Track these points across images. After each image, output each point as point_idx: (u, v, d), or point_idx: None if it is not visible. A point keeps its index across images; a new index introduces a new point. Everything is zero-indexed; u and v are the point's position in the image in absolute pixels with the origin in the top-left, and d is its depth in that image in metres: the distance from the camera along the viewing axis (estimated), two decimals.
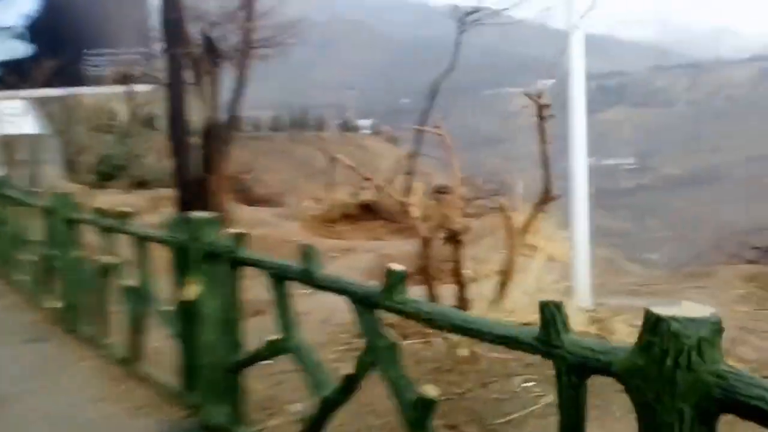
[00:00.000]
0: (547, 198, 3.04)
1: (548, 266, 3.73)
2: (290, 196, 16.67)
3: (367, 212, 8.21)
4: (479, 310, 3.06)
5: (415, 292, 4.43)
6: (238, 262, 2.59)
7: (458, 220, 3.00)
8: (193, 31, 6.84)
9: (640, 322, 1.24)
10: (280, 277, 2.35)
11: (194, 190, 6.75)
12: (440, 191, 8.23)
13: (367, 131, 58.74)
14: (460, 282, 3.00)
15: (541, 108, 2.80)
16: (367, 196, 8.37)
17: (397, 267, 1.75)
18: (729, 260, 5.84)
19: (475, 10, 7.74)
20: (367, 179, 4.46)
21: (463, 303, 2.96)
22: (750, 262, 5.60)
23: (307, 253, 2.09)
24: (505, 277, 3.09)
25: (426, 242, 3.05)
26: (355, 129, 56.88)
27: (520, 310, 3.01)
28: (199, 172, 6.97)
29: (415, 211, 3.25)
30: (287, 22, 7.28)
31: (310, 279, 2.13)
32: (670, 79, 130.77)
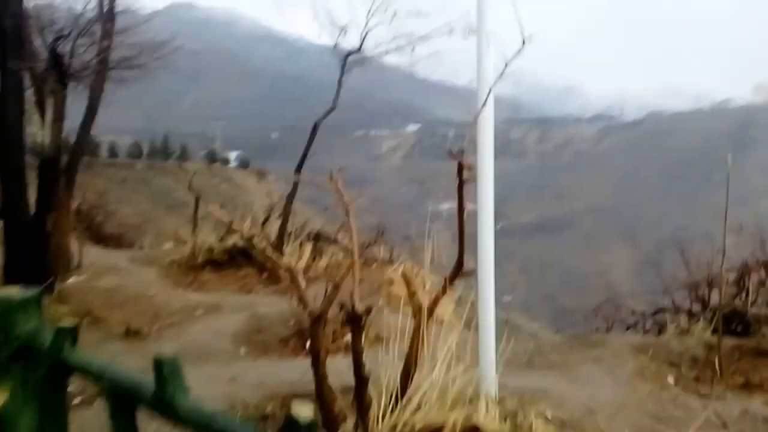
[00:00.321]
0: (460, 272, 2.58)
1: (445, 338, 3.29)
2: (147, 235, 15.24)
3: (237, 258, 7.42)
4: (380, 410, 2.52)
5: (297, 366, 3.81)
6: (62, 367, 1.84)
7: (360, 296, 2.45)
8: (38, 43, 5.83)
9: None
10: (119, 401, 1.63)
11: (28, 231, 5.64)
12: (320, 238, 7.66)
13: (235, 164, 57.03)
14: (362, 403, 2.43)
15: (463, 168, 2.34)
16: (237, 239, 7.58)
17: (302, 411, 1.11)
18: (607, 324, 5.78)
19: (357, 51, 7.38)
20: (234, 230, 3.77)
21: (362, 409, 2.39)
22: (629, 327, 5.55)
23: (163, 367, 1.41)
24: (410, 367, 2.56)
25: (316, 321, 2.47)
26: (222, 161, 54.98)
27: (428, 408, 2.52)
28: (37, 207, 5.91)
29: (302, 280, 2.65)
30: (152, 43, 6.47)
31: (166, 410, 1.45)
32: (523, 131, 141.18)
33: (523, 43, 2.43)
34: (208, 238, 7.74)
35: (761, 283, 4.43)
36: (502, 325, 3.44)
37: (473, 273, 2.89)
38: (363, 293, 2.74)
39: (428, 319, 2.67)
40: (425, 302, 2.64)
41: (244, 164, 57.65)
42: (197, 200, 8.87)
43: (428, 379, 2.66)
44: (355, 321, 2.39)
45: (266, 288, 6.32)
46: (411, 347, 2.60)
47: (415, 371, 2.56)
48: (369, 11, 7.04)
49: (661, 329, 5.11)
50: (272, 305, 5.54)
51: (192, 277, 6.86)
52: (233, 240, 7.26)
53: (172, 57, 6.84)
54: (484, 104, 2.97)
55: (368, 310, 2.45)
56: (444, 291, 2.72)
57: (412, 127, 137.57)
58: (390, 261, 6.67)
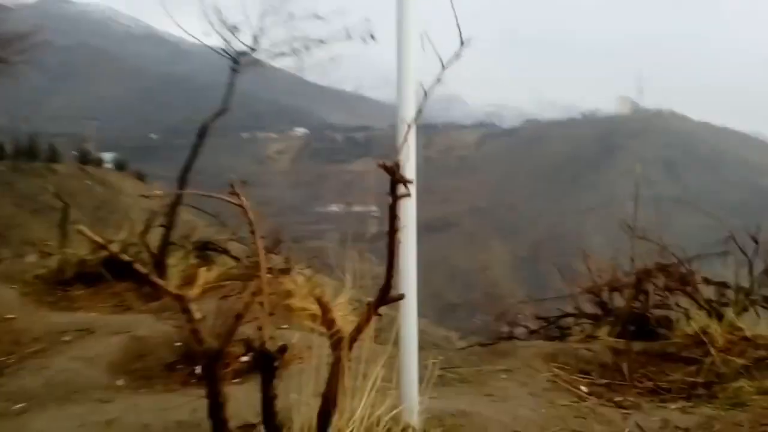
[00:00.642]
0: (387, 298, 2.25)
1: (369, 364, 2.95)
2: (8, 244, 13.64)
3: (113, 270, 6.64)
4: None
5: (187, 400, 3.29)
6: None
7: (271, 330, 2.05)
8: None
9: None
10: None
11: None
12: (208, 248, 7.06)
13: (110, 165, 53.47)
14: None
15: (398, 182, 2.01)
16: (113, 249, 6.79)
17: None
18: (512, 329, 5.69)
19: (250, 52, 6.89)
20: (107, 247, 3.29)
21: None
22: (533, 332, 5.49)
23: None
24: (329, 407, 2.20)
25: (213, 360, 2.04)
26: (96, 162, 51.37)
27: None
28: None
29: (195, 311, 2.22)
30: (12, 35, 5.59)
31: None
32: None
33: (462, 44, 2.17)
34: (78, 248, 6.89)
35: (664, 287, 4.46)
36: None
37: (402, 298, 2.57)
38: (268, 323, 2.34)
39: (349, 352, 2.32)
40: (346, 332, 2.27)
41: (120, 166, 54.31)
42: (65, 208, 7.92)
43: (351, 420, 2.31)
44: (266, 363, 1.99)
45: (147, 305, 5.67)
46: (330, 384, 2.23)
47: (335, 411, 2.19)
48: (262, 11, 6.56)
49: (563, 335, 5.08)
50: (154, 325, 4.93)
51: (59, 295, 6.05)
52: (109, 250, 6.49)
53: (39, 52, 6.01)
54: (417, 115, 2.69)
55: (282, 349, 2.05)
56: (368, 319, 2.38)
57: (300, 131, 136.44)
58: (287, 269, 6.22)
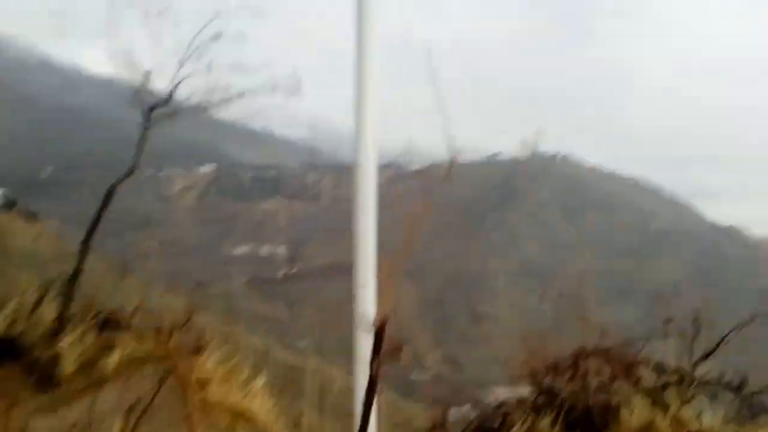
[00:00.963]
0: None
1: None
2: None
3: None
4: None
5: None
6: None
7: None
8: None
9: None
10: None
11: None
12: (110, 324, 6.35)
13: None
14: None
15: (381, 340, 1.71)
16: None
17: None
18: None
19: (165, 103, 6.41)
20: None
21: None
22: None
23: None
24: None
25: None
26: None
27: None
28: None
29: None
30: None
31: None
32: (320, 176, 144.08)
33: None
34: None
35: (608, 373, 4.36)
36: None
37: None
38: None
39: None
40: None
41: (9, 204, 50.38)
42: None
43: None
44: None
45: (39, 396, 4.96)
46: None
47: None
48: (182, 59, 6.10)
49: (504, 426, 4.86)
50: (49, 418, 4.28)
51: None
52: None
53: None
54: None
55: None
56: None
57: (207, 168, 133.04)
58: (199, 348, 5.68)
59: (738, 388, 3.74)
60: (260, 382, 4.84)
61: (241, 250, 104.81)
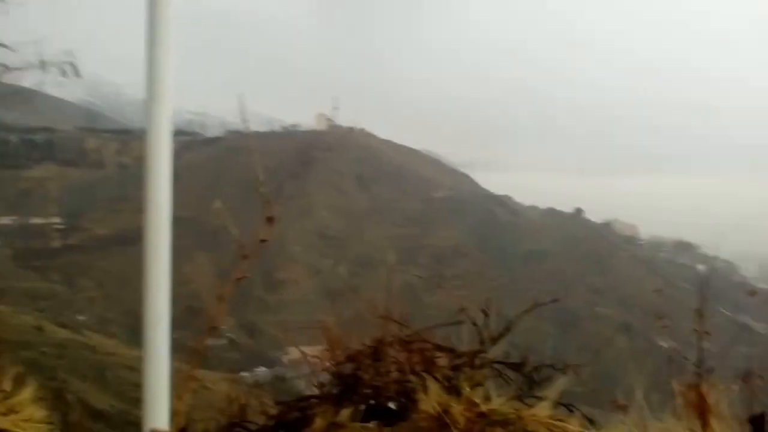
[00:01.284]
0: None
1: None
2: None
3: None
4: None
5: None
6: None
7: None
8: None
9: None
10: None
11: None
12: None
13: None
14: None
15: None
16: None
17: None
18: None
19: None
20: None
21: None
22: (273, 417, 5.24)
23: None
24: None
25: None
26: None
27: None
28: None
29: None
30: None
31: None
32: (101, 141, 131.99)
33: None
34: None
35: (405, 360, 4.64)
36: None
37: None
38: None
39: None
40: None
41: None
42: None
43: None
44: None
45: None
46: None
47: None
48: None
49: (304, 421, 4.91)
50: None
51: None
52: None
53: None
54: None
55: None
56: None
57: None
58: None
59: (519, 366, 4.25)
60: (26, 393, 4.00)
61: (5, 220, 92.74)
